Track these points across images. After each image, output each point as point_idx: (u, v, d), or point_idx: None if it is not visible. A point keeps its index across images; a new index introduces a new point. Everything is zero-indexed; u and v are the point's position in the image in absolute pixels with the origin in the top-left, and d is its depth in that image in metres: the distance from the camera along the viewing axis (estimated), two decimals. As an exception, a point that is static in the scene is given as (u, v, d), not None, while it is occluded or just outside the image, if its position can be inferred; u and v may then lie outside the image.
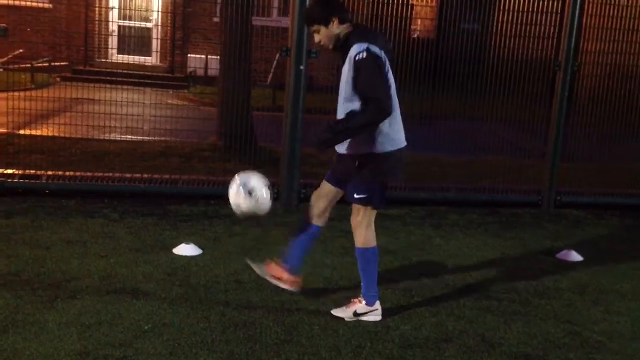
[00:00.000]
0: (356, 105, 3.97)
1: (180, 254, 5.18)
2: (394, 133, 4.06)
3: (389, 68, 4.02)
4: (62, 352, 3.59)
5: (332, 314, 4.27)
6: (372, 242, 4.22)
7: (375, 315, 4.26)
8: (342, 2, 4.39)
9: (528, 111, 7.73)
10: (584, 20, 7.29)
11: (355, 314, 4.23)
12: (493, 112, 7.74)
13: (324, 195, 4.33)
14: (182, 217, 6.13)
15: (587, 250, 5.98)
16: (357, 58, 3.89)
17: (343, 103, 4.05)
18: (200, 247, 5.30)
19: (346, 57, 4.01)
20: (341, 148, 4.14)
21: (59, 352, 3.59)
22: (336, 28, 4.04)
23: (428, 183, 7.49)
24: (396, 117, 4.07)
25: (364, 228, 4.19)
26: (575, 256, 5.79)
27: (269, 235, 5.77)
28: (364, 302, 4.25)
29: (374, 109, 3.87)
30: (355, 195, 4.12)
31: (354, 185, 4.12)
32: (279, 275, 4.35)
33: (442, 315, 4.44)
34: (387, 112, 3.89)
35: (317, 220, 4.35)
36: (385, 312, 4.36)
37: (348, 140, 4.06)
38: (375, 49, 3.91)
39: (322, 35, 4.07)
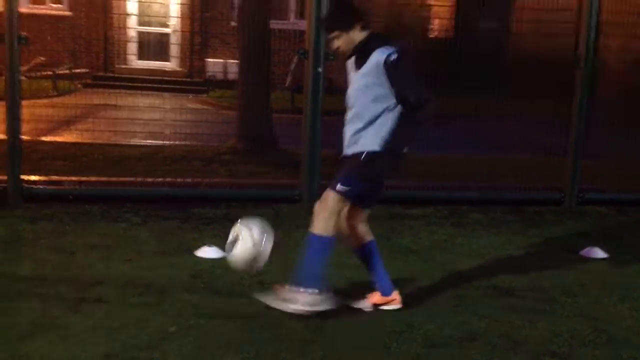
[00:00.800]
0: (383, 105, 3.96)
1: (204, 256, 5.21)
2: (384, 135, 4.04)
3: None
4: (88, 355, 3.62)
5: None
6: (330, 231, 4.05)
7: (323, 304, 4.08)
8: (363, 8, 4.39)
9: (548, 108, 7.68)
10: (602, 16, 7.23)
11: (305, 305, 4.07)
12: (513, 110, 7.70)
13: (344, 218, 4.24)
14: (205, 220, 6.16)
15: (611, 246, 5.93)
16: (390, 60, 3.88)
17: (362, 107, 4.02)
18: (223, 249, 5.32)
19: (363, 62, 4.00)
20: (350, 149, 4.10)
21: (85, 355, 3.63)
22: (357, 34, 4.03)
23: (449, 182, 7.46)
24: None
25: (326, 214, 4.03)
26: (600, 253, 5.75)
27: (291, 238, 5.78)
28: (298, 290, 4.07)
29: (427, 106, 3.90)
30: (339, 185, 4.01)
31: (344, 175, 4.04)
32: (383, 301, 4.36)
33: (467, 314, 4.42)
34: (434, 103, 3.93)
35: (364, 239, 4.32)
36: (409, 312, 4.35)
37: (357, 143, 4.04)
38: (400, 52, 3.94)
39: (342, 41, 4.05)
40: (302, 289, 4.09)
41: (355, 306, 4.37)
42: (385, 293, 4.38)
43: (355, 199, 4.12)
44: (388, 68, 3.90)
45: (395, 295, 4.39)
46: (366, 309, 4.36)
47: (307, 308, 4.10)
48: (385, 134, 3.99)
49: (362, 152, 4.02)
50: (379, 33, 4.24)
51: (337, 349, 3.85)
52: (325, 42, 6.46)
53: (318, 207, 4.11)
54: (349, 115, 4.13)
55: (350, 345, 3.89)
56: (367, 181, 4.07)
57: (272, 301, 4.17)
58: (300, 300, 4.09)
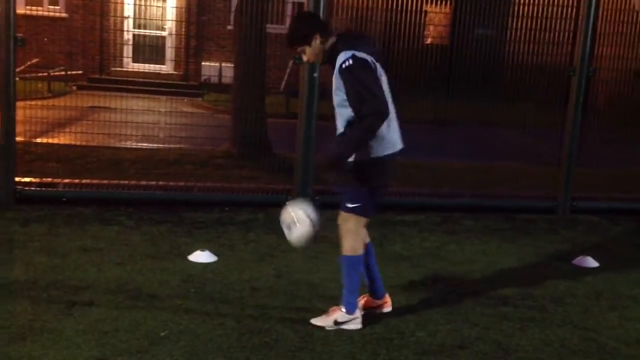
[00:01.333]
0: (349, 111, 3.91)
1: (196, 260, 5.21)
2: (392, 136, 4.02)
3: (381, 71, 4.00)
4: (79, 359, 3.62)
5: (312, 324, 4.19)
6: (359, 250, 4.16)
7: (355, 323, 4.18)
8: (319, 17, 4.39)
9: (542, 117, 7.72)
10: (599, 25, 7.27)
11: (336, 322, 4.16)
12: (507, 117, 7.73)
13: None
14: (197, 224, 6.16)
15: (603, 256, 5.95)
16: (343, 66, 3.85)
17: (337, 110, 4.02)
18: (215, 254, 5.32)
19: (333, 65, 3.98)
20: None
21: (76, 358, 3.62)
22: (320, 43, 4.03)
23: (442, 189, 7.48)
24: (392, 121, 4.02)
25: (352, 236, 4.12)
26: (591, 262, 5.76)
27: (283, 243, 5.78)
28: (344, 310, 4.17)
29: (371, 115, 3.78)
30: (349, 205, 4.07)
31: (346, 192, 4.09)
32: (377, 304, 4.42)
33: (458, 321, 4.43)
34: (384, 114, 3.83)
35: (363, 240, 4.31)
36: (400, 319, 4.37)
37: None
38: (361, 54, 3.88)
39: (309, 54, 4.08)
40: (340, 307, 4.21)
41: (316, 323, 4.24)
42: (375, 296, 4.41)
43: (374, 206, 4.13)
44: (342, 73, 3.87)
45: (387, 298, 4.43)
46: (327, 327, 4.21)
47: (336, 325, 4.18)
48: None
49: (354, 161, 3.97)
50: (346, 34, 4.16)
51: (327, 356, 3.85)
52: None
53: (340, 230, 4.17)
54: (336, 117, 4.11)
55: (340, 353, 3.90)
56: (365, 188, 4.05)
57: (320, 321, 4.23)
58: (335, 317, 4.20)
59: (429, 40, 9.83)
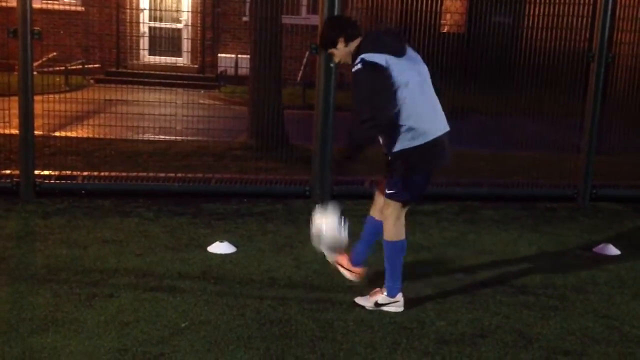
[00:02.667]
0: None
1: (215, 252, 5.22)
2: (423, 127, 4.06)
3: (410, 63, 4.07)
4: (101, 350, 3.64)
5: (355, 302, 4.37)
6: (400, 235, 4.27)
7: (397, 306, 4.30)
8: (347, 19, 4.49)
9: (562, 104, 7.63)
10: (617, 11, 7.17)
11: (377, 304, 4.30)
12: (526, 105, 7.65)
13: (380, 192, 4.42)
14: (216, 216, 6.17)
15: (624, 243, 5.89)
16: (353, 70, 4.03)
17: None
18: (234, 245, 5.33)
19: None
20: (386, 150, 4.21)
21: (98, 349, 3.64)
22: (347, 47, 4.18)
23: (461, 179, 7.43)
24: (422, 112, 4.07)
25: (391, 221, 4.23)
26: (613, 250, 5.71)
27: (302, 233, 5.78)
28: (385, 293, 4.30)
29: (362, 126, 3.96)
30: (387, 191, 4.22)
31: (389, 180, 4.22)
32: (350, 269, 4.51)
33: (478, 311, 4.41)
34: (375, 124, 3.96)
35: (375, 213, 4.46)
36: (420, 308, 4.36)
37: (385, 141, 4.15)
38: (373, 57, 3.96)
39: (337, 55, 4.26)
40: (382, 290, 4.34)
41: (358, 302, 4.39)
42: (354, 263, 4.50)
43: (413, 195, 4.23)
44: (352, 77, 4.04)
45: (400, 297, 4.36)
46: (368, 307, 4.35)
47: (376, 307, 4.31)
48: (397, 134, 4.06)
49: (388, 153, 4.16)
50: (370, 35, 4.24)
51: (347, 345, 3.85)
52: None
53: (384, 214, 4.29)
54: None
55: (360, 342, 3.89)
56: (404, 177, 4.15)
57: (363, 300, 4.38)
58: (377, 299, 4.32)
59: (445, 29, 9.75)
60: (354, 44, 4.16)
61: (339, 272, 4.64)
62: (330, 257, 4.53)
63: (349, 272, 4.51)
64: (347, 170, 4.33)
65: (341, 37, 4.18)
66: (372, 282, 4.59)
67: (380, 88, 3.96)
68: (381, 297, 4.31)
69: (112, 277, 4.64)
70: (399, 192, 4.18)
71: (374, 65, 3.96)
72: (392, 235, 4.25)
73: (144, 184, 6.76)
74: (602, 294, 4.81)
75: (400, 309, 4.30)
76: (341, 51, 4.21)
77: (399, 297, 4.30)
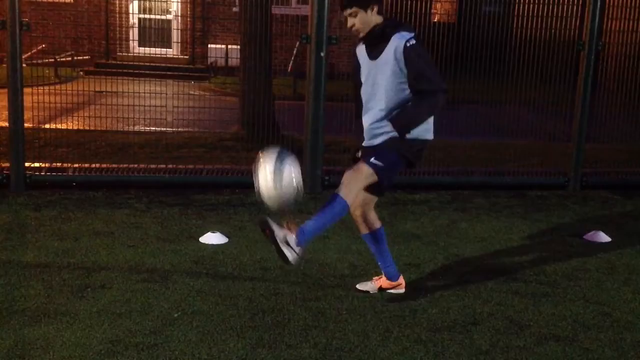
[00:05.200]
0: (406, 91, 3.97)
1: (207, 242, 5.22)
2: (432, 123, 4.08)
3: None
4: (93, 341, 3.64)
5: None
6: (350, 199, 3.93)
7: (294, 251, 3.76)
8: None
9: (552, 92, 7.65)
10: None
11: (287, 244, 3.72)
12: (516, 94, 7.66)
13: (358, 205, 4.20)
14: (208, 207, 6.17)
15: (614, 230, 5.93)
16: (408, 45, 3.89)
17: (386, 94, 3.99)
18: (226, 235, 5.33)
19: (381, 49, 3.98)
20: (381, 138, 4.05)
21: (90, 340, 3.64)
22: (373, 16, 4.01)
23: (452, 167, 7.45)
24: None
25: (352, 188, 3.93)
26: (603, 237, 5.74)
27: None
28: (294, 234, 3.75)
29: (440, 93, 3.91)
30: (372, 160, 3.97)
31: (377, 152, 4.00)
32: (390, 285, 4.40)
33: (470, 298, 4.43)
34: (446, 94, 3.96)
35: (374, 225, 4.30)
36: (412, 297, 4.37)
37: (382, 132, 4.03)
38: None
39: (359, 20, 4.01)
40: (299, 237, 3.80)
41: (361, 288, 4.41)
42: (392, 278, 4.39)
43: (384, 179, 4.03)
44: (408, 53, 3.90)
45: (401, 280, 4.42)
46: (372, 291, 4.39)
47: (287, 248, 3.74)
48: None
49: (390, 137, 4.01)
50: (394, 19, 4.21)
51: (339, 334, 3.86)
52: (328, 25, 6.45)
53: (349, 175, 3.99)
54: (370, 104, 4.09)
55: (353, 331, 3.90)
56: (394, 161, 4.03)
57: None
58: (290, 241, 3.75)
59: (436, 18, 9.75)
60: (378, 19, 4.02)
61: (330, 262, 4.65)
62: (278, 220, 3.83)
63: (396, 288, 4.40)
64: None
65: (376, 4, 3.99)
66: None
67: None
68: (292, 238, 3.72)
69: (104, 268, 4.64)
70: (385, 171, 3.98)
71: (422, 44, 3.97)
72: (346, 193, 3.89)
73: (135, 175, 6.74)
74: (592, 280, 4.84)
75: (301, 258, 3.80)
76: (367, 18, 3.98)
77: (300, 251, 3.79)
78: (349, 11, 4.01)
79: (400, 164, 4.11)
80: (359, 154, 4.21)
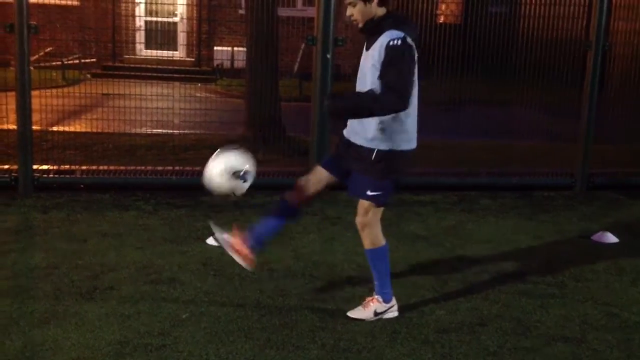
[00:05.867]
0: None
1: (214, 244, 5.22)
2: (413, 132, 3.95)
3: (416, 63, 3.89)
4: (102, 342, 3.65)
5: (349, 316, 4.09)
6: (381, 240, 4.06)
7: (392, 311, 4.12)
8: None
9: (558, 93, 7.64)
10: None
11: (376, 313, 4.07)
12: (522, 95, 7.66)
13: (316, 182, 4.16)
14: (214, 208, 6.18)
15: (622, 231, 5.91)
16: (391, 44, 3.73)
17: (371, 87, 3.84)
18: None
19: (373, 41, 3.86)
20: (358, 138, 3.96)
21: (99, 342, 3.66)
22: (374, 8, 3.86)
23: (459, 168, 7.45)
24: (415, 115, 3.94)
25: (373, 227, 4.02)
26: (611, 237, 5.73)
27: (300, 225, 5.79)
28: (380, 300, 4.09)
29: (393, 99, 3.70)
30: (369, 193, 3.94)
31: (369, 182, 3.93)
32: (238, 249, 4.13)
33: (477, 299, 4.43)
34: (404, 106, 3.74)
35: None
36: (419, 298, 4.37)
37: (368, 131, 3.89)
38: (410, 41, 3.79)
39: (357, 10, 3.88)
40: (378, 298, 4.11)
41: (354, 316, 4.13)
42: (253, 250, 4.14)
43: (385, 201, 4.01)
44: (387, 51, 3.75)
45: (394, 301, 4.19)
46: (368, 319, 4.11)
47: (376, 316, 4.08)
48: (398, 130, 3.87)
49: (372, 150, 3.89)
50: (397, 14, 4.04)
51: (347, 335, 3.86)
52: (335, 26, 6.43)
53: (361, 221, 4.03)
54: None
55: (360, 332, 3.91)
56: (393, 177, 3.98)
57: (358, 313, 4.12)
58: (375, 308, 4.10)
59: (441, 19, 9.74)
60: (379, 11, 3.88)
61: (337, 263, 4.66)
62: (223, 240, 4.11)
63: (242, 256, 4.11)
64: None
65: None
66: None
67: (411, 74, 3.78)
68: (378, 305, 4.08)
69: (112, 270, 4.65)
70: (385, 195, 3.96)
71: (411, 50, 3.78)
72: (375, 241, 4.04)
73: (142, 177, 6.76)
74: (600, 281, 4.83)
75: (396, 313, 4.12)
76: (367, 9, 3.84)
77: (393, 300, 4.13)
78: (348, 0, 3.91)
79: (393, 183, 4.01)
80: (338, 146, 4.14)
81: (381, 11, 3.91)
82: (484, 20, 7.61)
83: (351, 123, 4.03)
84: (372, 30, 3.90)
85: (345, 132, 4.09)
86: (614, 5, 7.21)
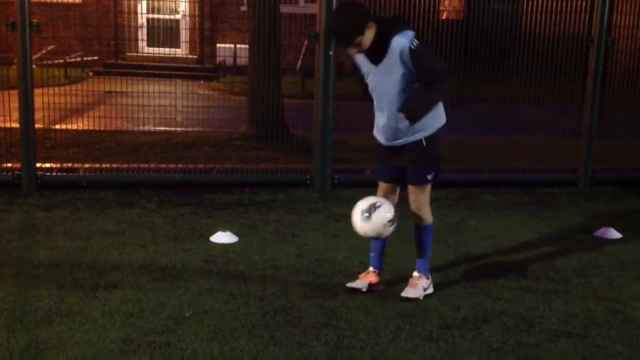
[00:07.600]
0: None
1: (217, 241, 5.23)
2: (442, 109, 4.29)
3: None
4: (106, 340, 3.66)
5: (404, 297, 4.26)
6: (432, 216, 4.43)
7: (431, 287, 4.41)
8: (361, 3, 4.44)
9: (562, 89, 7.62)
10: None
11: (424, 289, 4.34)
12: (525, 91, 7.64)
13: (388, 197, 4.40)
14: (218, 206, 6.18)
15: (625, 227, 5.90)
16: (412, 47, 3.97)
17: (400, 98, 4.07)
18: (236, 234, 5.35)
19: (381, 54, 4.02)
20: (404, 140, 4.19)
21: (103, 340, 3.66)
22: (368, 32, 4.00)
23: (462, 165, 7.44)
24: None
25: (427, 205, 4.38)
26: (614, 233, 5.72)
27: (304, 222, 5.80)
28: (424, 277, 4.38)
29: (445, 83, 4.12)
30: (429, 177, 4.27)
31: (425, 168, 4.25)
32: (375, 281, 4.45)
33: (480, 295, 4.43)
34: (449, 85, 4.24)
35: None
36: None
37: (408, 130, 4.15)
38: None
39: (365, 43, 4.02)
40: (423, 275, 4.39)
41: (411, 296, 4.31)
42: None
43: (436, 178, 4.37)
44: (415, 54, 3.97)
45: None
46: (420, 297, 4.31)
47: (424, 293, 4.34)
48: (438, 108, 4.22)
49: (421, 140, 4.19)
50: (388, 19, 4.26)
51: (351, 332, 3.87)
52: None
53: (418, 202, 4.34)
54: (382, 104, 4.17)
55: (364, 329, 3.91)
56: (438, 160, 4.33)
57: (412, 292, 4.32)
58: (422, 285, 4.36)
59: (444, 15, 9.73)
60: (372, 28, 4.00)
61: (341, 260, 4.65)
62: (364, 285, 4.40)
63: (376, 285, 4.44)
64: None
65: (370, 21, 4.00)
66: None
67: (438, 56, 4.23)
68: (425, 281, 4.37)
69: (116, 268, 4.66)
70: (437, 171, 4.32)
71: (421, 40, 4.07)
72: (429, 218, 4.39)
73: (145, 175, 6.77)
74: (603, 277, 4.83)
75: (432, 289, 4.40)
76: (367, 37, 3.99)
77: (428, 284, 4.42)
78: (353, 44, 4.02)
79: (439, 160, 4.34)
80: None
81: (372, 27, 4.03)
82: (487, 16, 7.59)
83: (387, 132, 4.23)
84: (378, 45, 4.03)
85: (384, 142, 4.29)
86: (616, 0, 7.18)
